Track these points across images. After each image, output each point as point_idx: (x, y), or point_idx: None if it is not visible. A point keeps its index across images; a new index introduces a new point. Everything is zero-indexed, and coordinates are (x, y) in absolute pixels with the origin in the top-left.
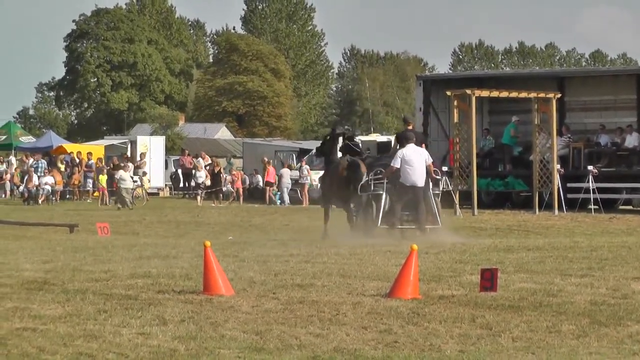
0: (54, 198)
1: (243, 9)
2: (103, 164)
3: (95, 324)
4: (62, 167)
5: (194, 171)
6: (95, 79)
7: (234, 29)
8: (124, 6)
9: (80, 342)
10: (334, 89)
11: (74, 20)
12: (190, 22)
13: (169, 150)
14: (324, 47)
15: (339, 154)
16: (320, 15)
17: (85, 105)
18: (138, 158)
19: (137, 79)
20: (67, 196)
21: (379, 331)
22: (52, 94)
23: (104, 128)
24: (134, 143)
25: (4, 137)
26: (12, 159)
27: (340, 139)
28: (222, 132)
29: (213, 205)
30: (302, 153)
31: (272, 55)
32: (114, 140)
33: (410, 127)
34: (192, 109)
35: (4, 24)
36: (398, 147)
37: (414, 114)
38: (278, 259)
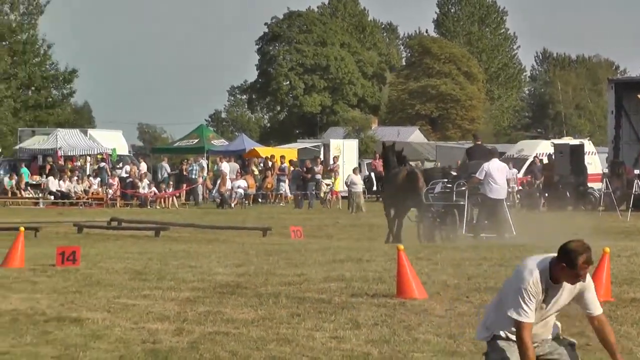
0: (246, 202)
1: (436, 12)
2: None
3: (288, 328)
4: (256, 171)
5: None
6: (288, 82)
7: (426, 32)
8: (316, 9)
9: (273, 346)
10: (527, 92)
11: (266, 24)
12: (383, 25)
13: (362, 153)
14: (517, 50)
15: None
16: (513, 18)
17: (278, 108)
18: (331, 161)
19: (330, 82)
20: (260, 200)
21: (571, 334)
22: (244, 97)
23: (297, 131)
24: (327, 146)
25: (196, 140)
26: (203, 162)
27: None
28: (415, 136)
29: None
30: None
31: (464, 58)
32: (307, 144)
33: (479, 143)
34: (385, 112)
35: (196, 27)
36: (468, 160)
37: (605, 117)
38: (471, 263)
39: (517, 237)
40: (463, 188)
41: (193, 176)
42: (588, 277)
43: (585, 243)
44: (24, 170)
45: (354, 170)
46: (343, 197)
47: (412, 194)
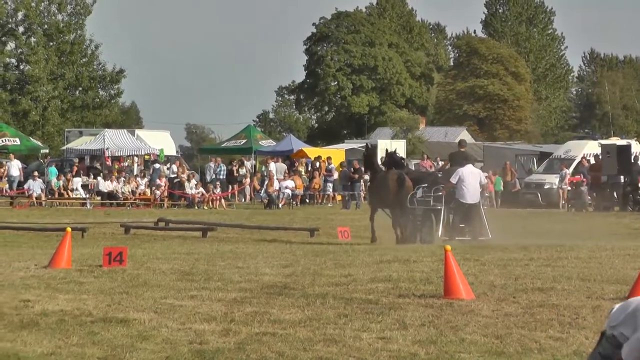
0: (294, 202)
1: (484, 13)
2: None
3: (335, 328)
4: (303, 171)
5: None
6: (336, 83)
7: (474, 32)
8: (364, 9)
9: (320, 347)
10: (574, 92)
11: (314, 24)
12: (431, 26)
13: (410, 154)
14: (564, 50)
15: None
16: (560, 18)
17: (326, 108)
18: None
19: (378, 82)
20: (307, 200)
21: None
22: (292, 97)
23: (345, 132)
24: (374, 147)
25: (244, 141)
26: (248, 163)
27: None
28: (463, 136)
29: None
30: (542, 156)
31: (512, 59)
32: (355, 144)
33: (463, 149)
34: (432, 112)
35: (244, 27)
36: (449, 165)
37: None
38: (518, 263)
39: (493, 240)
40: (440, 193)
41: (221, 177)
42: None
43: None
44: (52, 169)
45: None
46: None
47: (399, 197)
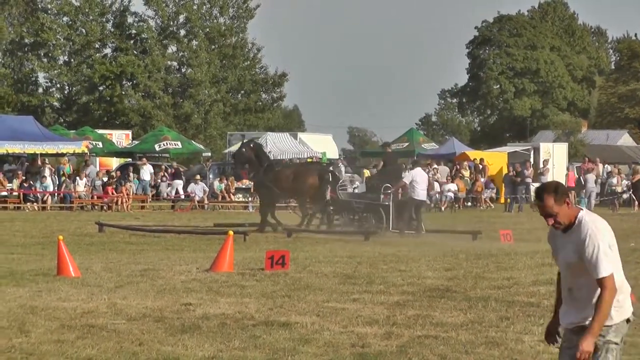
0: (457, 205)
1: None
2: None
3: (497, 332)
4: (466, 174)
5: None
6: (498, 86)
7: (635, 35)
8: (526, 13)
9: (482, 350)
10: None
11: (476, 27)
12: (592, 29)
13: (572, 157)
14: None
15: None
16: None
17: (488, 111)
18: (541, 165)
19: (540, 85)
20: (469, 203)
21: None
22: (454, 100)
23: (507, 135)
24: (536, 150)
25: (406, 144)
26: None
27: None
28: (624, 139)
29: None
30: None
31: None
32: (517, 147)
33: (389, 150)
34: (594, 115)
35: (407, 31)
36: (381, 165)
37: None
38: None
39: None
40: (389, 191)
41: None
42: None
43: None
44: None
45: None
46: None
47: (320, 189)
